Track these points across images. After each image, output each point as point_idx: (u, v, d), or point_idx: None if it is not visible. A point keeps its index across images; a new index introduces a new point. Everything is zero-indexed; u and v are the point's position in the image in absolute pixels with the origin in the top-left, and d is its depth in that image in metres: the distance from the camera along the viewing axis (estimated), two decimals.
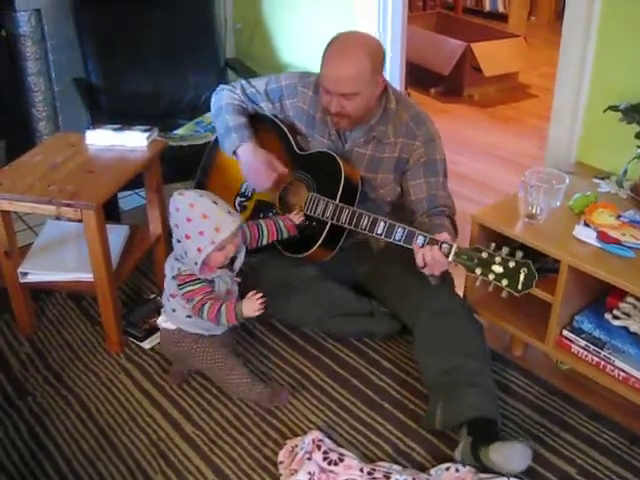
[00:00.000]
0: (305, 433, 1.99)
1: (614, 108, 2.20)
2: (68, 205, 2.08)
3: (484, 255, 1.90)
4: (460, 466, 1.86)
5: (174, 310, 2.12)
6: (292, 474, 1.83)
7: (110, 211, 2.61)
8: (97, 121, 2.77)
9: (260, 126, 2.40)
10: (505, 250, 1.90)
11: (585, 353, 2.10)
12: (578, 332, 2.11)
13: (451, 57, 4.90)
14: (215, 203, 1.99)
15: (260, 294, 2.01)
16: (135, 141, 2.40)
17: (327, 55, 2.12)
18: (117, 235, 2.45)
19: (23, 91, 3.24)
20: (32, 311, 2.45)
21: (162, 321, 2.19)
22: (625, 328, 2.05)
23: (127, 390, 2.20)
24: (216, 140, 2.52)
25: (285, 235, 2.25)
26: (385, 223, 2.08)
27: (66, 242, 2.46)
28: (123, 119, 2.61)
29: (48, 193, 2.11)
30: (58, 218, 2.45)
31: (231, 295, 2.13)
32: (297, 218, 2.26)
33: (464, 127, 4.45)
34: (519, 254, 1.87)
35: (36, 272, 2.32)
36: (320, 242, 2.21)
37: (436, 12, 6.16)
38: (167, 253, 2.23)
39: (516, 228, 2.12)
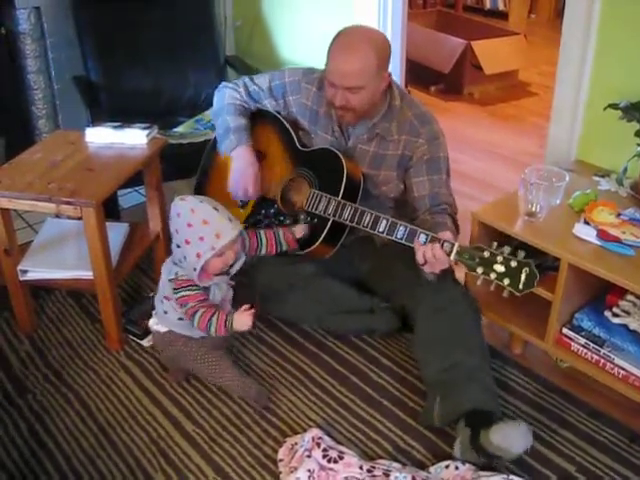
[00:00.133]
0: (305, 431, 1.99)
1: (614, 106, 2.20)
2: (68, 203, 2.08)
3: (486, 254, 1.89)
4: (460, 464, 1.86)
5: (166, 312, 2.13)
6: (292, 472, 1.83)
7: (110, 209, 2.61)
8: (97, 119, 2.77)
9: (263, 122, 2.40)
10: (507, 249, 1.90)
11: (585, 351, 2.10)
12: (578, 330, 2.11)
13: (451, 55, 4.90)
14: (216, 209, 1.99)
15: (252, 310, 2.02)
16: (135, 139, 2.40)
17: (333, 48, 2.12)
18: (117, 233, 2.45)
19: (23, 89, 3.24)
20: (32, 309, 2.45)
21: (154, 323, 2.20)
22: (625, 326, 2.05)
23: (127, 388, 2.20)
24: (215, 139, 2.51)
25: (284, 248, 2.25)
26: (387, 221, 2.08)
27: (66, 240, 2.46)
28: (123, 117, 2.61)
29: (48, 191, 2.11)
30: (58, 216, 2.43)
31: (225, 302, 2.14)
32: (299, 232, 2.25)
33: (464, 125, 4.45)
34: (521, 254, 1.87)
35: (36, 270, 2.32)
36: (322, 239, 2.21)
37: (436, 10, 6.16)
38: (167, 251, 2.24)
39: (516, 226, 2.12)
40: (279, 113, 2.40)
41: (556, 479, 1.88)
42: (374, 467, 1.85)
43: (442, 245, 1.95)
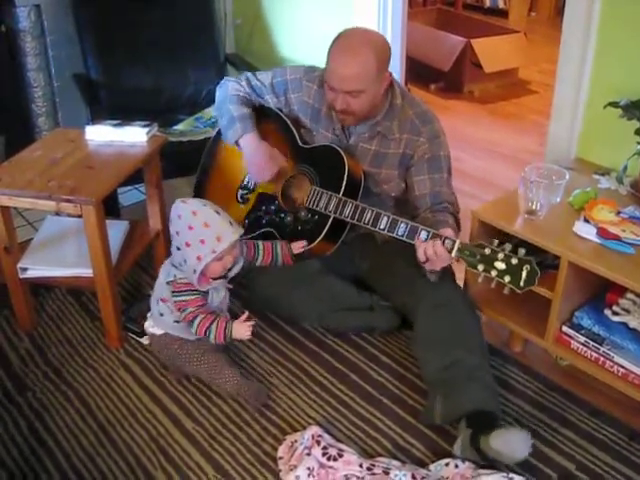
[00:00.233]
0: (304, 428, 1.99)
1: (614, 104, 2.20)
2: (68, 200, 2.08)
3: (487, 251, 1.90)
4: (459, 462, 1.86)
5: (162, 314, 2.13)
6: (291, 469, 1.83)
7: (110, 206, 2.61)
8: (97, 117, 2.77)
9: (264, 119, 2.40)
10: (508, 247, 1.90)
11: (584, 349, 2.10)
12: (577, 328, 2.11)
13: (451, 53, 4.90)
14: (217, 213, 1.99)
15: (252, 321, 2.04)
16: (135, 136, 2.39)
17: (333, 51, 2.11)
18: (117, 230, 2.45)
19: (23, 87, 3.23)
20: (32, 307, 2.45)
21: (149, 326, 2.20)
22: (624, 324, 2.05)
23: (127, 386, 2.20)
24: (215, 138, 2.52)
25: (279, 262, 2.26)
26: (388, 218, 2.08)
27: (66, 238, 2.46)
28: (123, 115, 2.61)
29: (48, 189, 2.11)
30: (58, 214, 2.45)
31: (222, 304, 2.14)
32: (297, 248, 2.26)
33: (464, 123, 4.45)
34: (522, 251, 1.87)
35: (36, 268, 2.32)
36: (322, 236, 2.21)
37: (436, 8, 6.15)
38: (167, 249, 2.24)
39: (516, 224, 2.12)
40: (281, 110, 2.40)
41: (556, 477, 1.88)
42: (374, 465, 1.85)
43: (443, 242, 1.95)
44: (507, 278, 1.88)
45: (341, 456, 1.87)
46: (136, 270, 2.72)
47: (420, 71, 4.94)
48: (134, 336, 2.39)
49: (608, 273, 1.91)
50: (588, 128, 2.49)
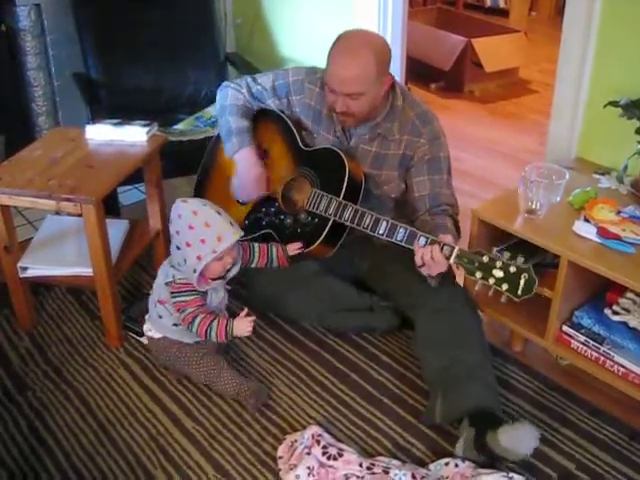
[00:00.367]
0: (304, 428, 1.99)
1: (614, 104, 2.20)
2: (68, 200, 2.08)
3: (485, 259, 1.89)
4: (459, 461, 1.86)
5: (160, 316, 2.13)
6: (291, 469, 1.83)
7: (110, 206, 2.61)
8: (97, 116, 2.77)
9: (266, 121, 2.40)
10: (506, 255, 1.90)
11: (584, 348, 2.10)
12: (578, 327, 2.11)
13: (452, 52, 4.90)
14: (219, 213, 1.99)
15: (252, 317, 2.03)
16: (135, 136, 2.39)
17: (333, 54, 2.11)
18: (117, 230, 2.45)
19: (23, 86, 3.23)
20: (32, 306, 2.45)
21: (147, 329, 2.20)
22: (624, 323, 2.05)
23: (127, 385, 2.20)
24: (216, 138, 2.52)
25: (275, 264, 2.26)
26: (387, 223, 2.07)
27: (66, 237, 2.46)
28: (123, 114, 2.60)
29: (48, 188, 2.11)
30: (58, 213, 2.45)
31: (221, 305, 2.14)
32: (293, 250, 2.25)
33: (465, 123, 4.45)
34: (520, 259, 1.87)
35: (36, 267, 2.32)
36: (322, 238, 2.20)
37: (437, 7, 6.14)
38: (167, 248, 2.24)
39: (516, 223, 2.12)
40: (282, 112, 2.39)
41: (556, 477, 1.88)
42: (374, 464, 1.85)
43: (442, 248, 1.95)
44: (505, 286, 1.87)
45: (341, 455, 1.87)
46: (136, 269, 2.72)
47: (420, 70, 4.94)
48: (134, 335, 2.38)
49: (608, 272, 1.91)
50: (588, 127, 2.49)
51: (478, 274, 1.90)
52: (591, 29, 2.34)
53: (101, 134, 2.42)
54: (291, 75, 2.36)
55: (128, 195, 3.25)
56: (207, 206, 2.00)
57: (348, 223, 2.15)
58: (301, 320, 2.43)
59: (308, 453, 1.86)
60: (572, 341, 2.12)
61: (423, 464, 1.90)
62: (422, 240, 1.99)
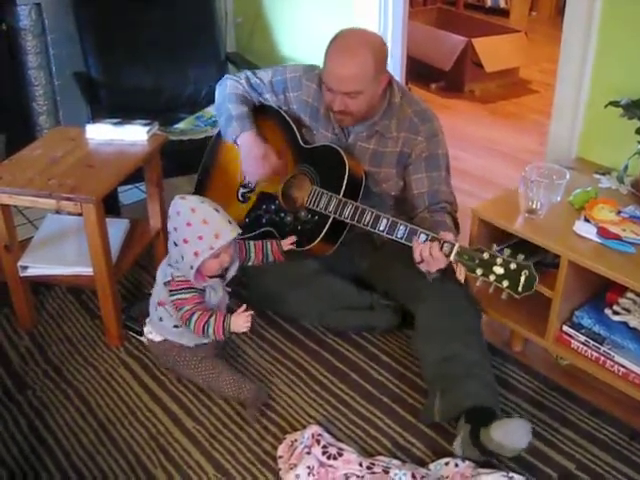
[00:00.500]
0: (304, 427, 1.99)
1: (615, 104, 2.20)
2: (68, 199, 2.08)
3: (485, 256, 1.89)
4: (459, 461, 1.86)
5: (161, 319, 2.12)
6: (291, 468, 1.83)
7: (110, 205, 2.61)
8: (97, 115, 2.77)
9: (266, 118, 2.40)
10: (507, 252, 1.90)
11: (585, 348, 2.10)
12: (578, 327, 2.11)
13: (452, 52, 4.90)
14: (217, 210, 1.99)
15: (250, 312, 2.01)
16: (135, 135, 2.39)
17: (330, 52, 2.11)
18: (117, 229, 2.45)
19: (23, 85, 3.23)
20: (32, 305, 2.45)
21: (147, 332, 2.20)
22: (625, 323, 2.05)
23: (127, 384, 2.20)
24: (216, 137, 2.52)
25: (270, 259, 2.26)
26: (388, 220, 2.07)
27: (66, 236, 2.46)
28: (123, 113, 2.61)
29: (48, 187, 2.11)
30: (58, 212, 2.45)
31: (221, 305, 2.14)
32: (287, 244, 2.25)
33: (465, 122, 4.45)
34: (520, 256, 1.87)
35: (36, 266, 2.32)
36: (322, 236, 2.20)
37: (437, 7, 6.14)
38: (167, 248, 2.23)
39: (516, 223, 2.12)
40: (281, 108, 2.40)
41: (556, 477, 1.88)
42: (374, 464, 1.85)
43: (442, 246, 1.95)
44: (505, 283, 1.86)
45: (341, 455, 1.87)
46: (136, 269, 2.72)
47: (421, 70, 4.94)
48: (134, 335, 2.38)
49: (608, 272, 1.91)
50: (589, 127, 2.49)
51: (479, 271, 1.90)
52: (591, 29, 2.34)
53: (101, 133, 2.42)
54: (289, 72, 2.37)
55: (128, 194, 3.25)
56: (205, 203, 2.00)
57: (348, 220, 2.15)
58: (301, 319, 2.43)
59: (308, 452, 1.86)
60: (572, 341, 2.12)
61: (423, 463, 1.90)
62: (422, 237, 1.99)
